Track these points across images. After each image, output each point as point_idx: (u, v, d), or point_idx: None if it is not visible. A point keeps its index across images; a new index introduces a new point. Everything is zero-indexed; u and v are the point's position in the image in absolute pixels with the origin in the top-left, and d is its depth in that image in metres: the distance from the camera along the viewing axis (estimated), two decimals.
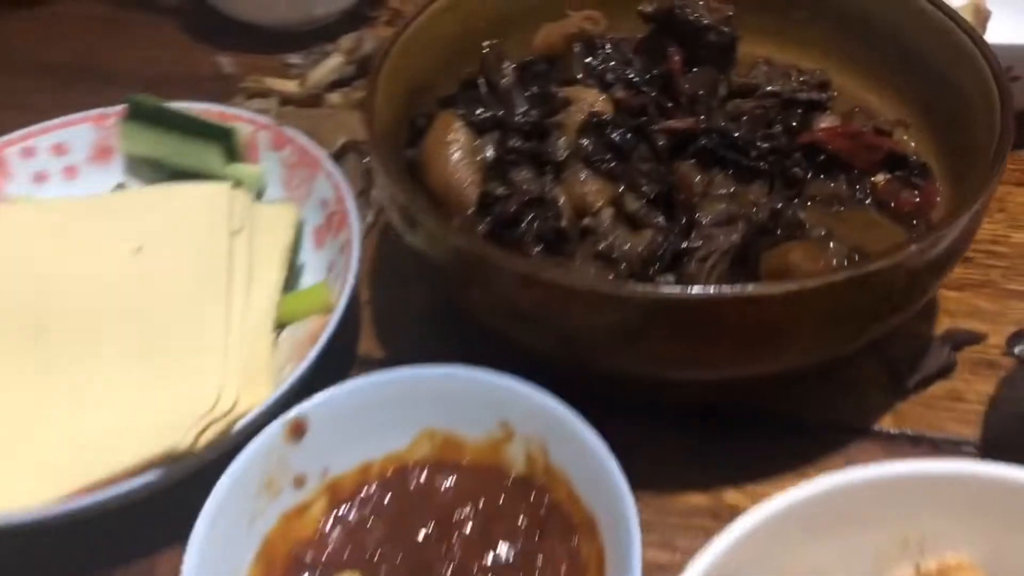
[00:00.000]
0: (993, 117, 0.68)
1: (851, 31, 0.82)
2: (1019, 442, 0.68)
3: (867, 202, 0.73)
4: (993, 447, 0.69)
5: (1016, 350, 0.72)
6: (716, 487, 0.67)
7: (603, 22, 0.76)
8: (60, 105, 0.87)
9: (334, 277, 0.75)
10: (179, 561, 0.54)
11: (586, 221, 0.69)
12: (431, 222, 0.61)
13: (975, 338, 0.75)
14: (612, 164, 0.70)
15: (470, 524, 0.58)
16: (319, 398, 0.60)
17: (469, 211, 0.69)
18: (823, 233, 0.65)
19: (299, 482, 0.60)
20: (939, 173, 0.75)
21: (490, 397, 0.60)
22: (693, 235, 0.66)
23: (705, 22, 0.78)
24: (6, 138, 0.84)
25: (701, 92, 0.77)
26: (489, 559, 0.57)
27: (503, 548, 0.57)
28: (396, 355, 0.77)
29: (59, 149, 0.85)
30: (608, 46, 0.77)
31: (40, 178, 0.84)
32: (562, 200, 0.69)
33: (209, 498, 0.56)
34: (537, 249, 0.68)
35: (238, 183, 0.82)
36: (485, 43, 0.78)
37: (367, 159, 0.87)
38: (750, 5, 0.83)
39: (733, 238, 0.64)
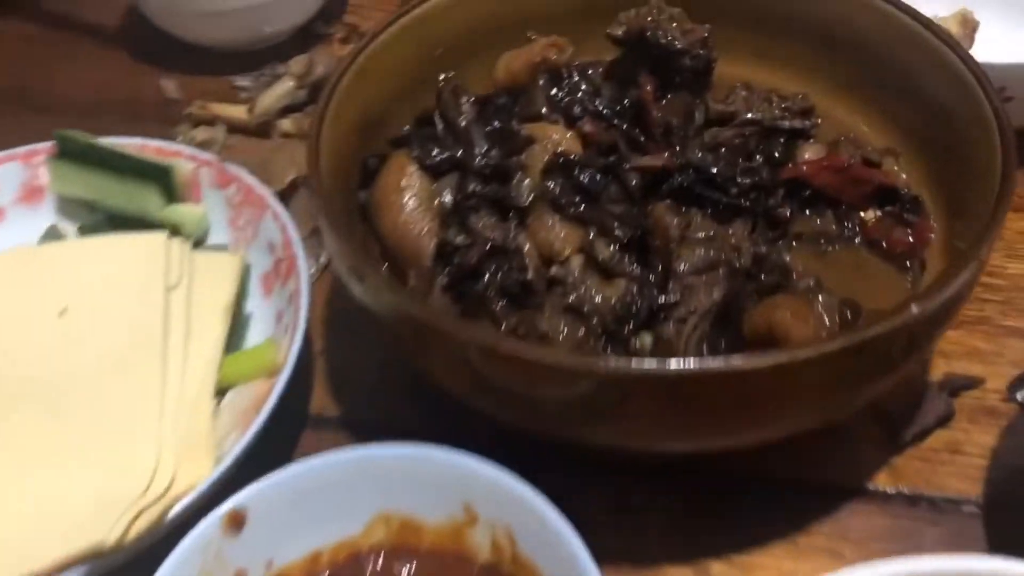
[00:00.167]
0: (990, 146, 0.63)
1: (834, 52, 0.77)
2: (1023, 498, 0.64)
3: (856, 240, 0.68)
4: (996, 505, 0.64)
5: (1018, 396, 0.68)
6: (701, 559, 0.62)
7: (568, 49, 0.71)
8: None
9: (282, 330, 0.69)
10: None
11: (554, 270, 0.64)
12: (380, 286, 0.55)
13: (973, 383, 0.70)
14: (581, 207, 0.64)
15: None
16: (258, 486, 0.54)
17: (425, 263, 0.63)
18: (811, 283, 0.59)
19: None
20: (933, 206, 0.69)
21: (451, 477, 0.55)
22: (671, 286, 0.61)
23: (679, 46, 0.72)
24: None
25: (675, 122, 0.72)
26: None
27: None
28: (352, 413, 0.71)
29: None
30: (575, 74, 0.71)
31: None
32: (527, 248, 0.63)
33: None
34: (501, 303, 0.62)
35: (178, 227, 0.76)
36: (441, 76, 0.72)
37: None
38: (726, 23, 0.77)
39: (714, 295, 0.59)
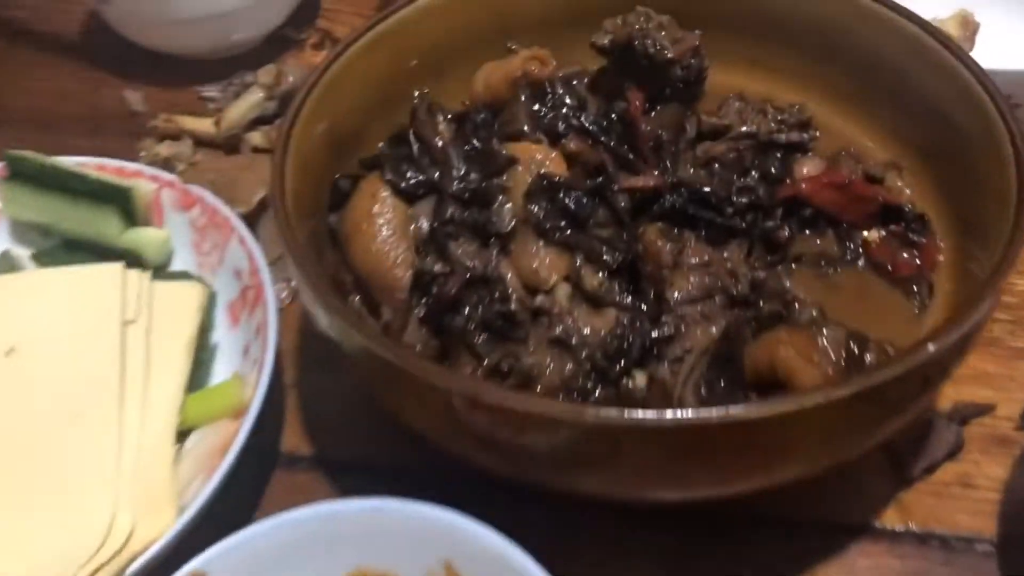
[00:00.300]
0: (1001, 159, 0.60)
1: (832, 59, 0.73)
2: None
3: (859, 262, 0.64)
4: (1010, 544, 0.60)
5: None
6: None
7: (551, 62, 0.66)
8: None
9: (250, 364, 0.65)
10: None
11: (538, 300, 0.59)
12: (347, 325, 0.51)
13: (983, 410, 0.66)
14: (567, 232, 0.60)
15: None
16: (222, 547, 0.50)
17: (400, 295, 0.59)
18: (814, 314, 0.55)
19: None
20: (939, 222, 0.66)
21: (430, 532, 0.51)
22: (664, 318, 0.57)
23: (669, 55, 0.67)
24: None
25: (665, 136, 0.68)
26: None
27: None
28: (326, 451, 0.67)
29: None
30: (558, 87, 0.66)
31: None
32: (509, 277, 0.59)
33: None
34: (482, 337, 0.58)
35: (138, 252, 0.71)
36: (416, 92, 0.68)
37: None
38: (717, 29, 0.73)
39: (712, 330, 0.54)
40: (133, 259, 0.71)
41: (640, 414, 0.45)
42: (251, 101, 0.87)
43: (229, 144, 0.87)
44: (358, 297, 0.60)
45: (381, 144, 0.68)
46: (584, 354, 0.57)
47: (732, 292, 0.59)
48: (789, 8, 0.74)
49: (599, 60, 0.71)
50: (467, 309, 0.58)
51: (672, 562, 0.59)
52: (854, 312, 0.61)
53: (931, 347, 0.47)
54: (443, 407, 0.49)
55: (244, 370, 0.65)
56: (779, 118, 0.69)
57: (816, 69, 0.74)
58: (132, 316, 0.63)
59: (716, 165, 0.68)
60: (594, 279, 0.59)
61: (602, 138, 0.65)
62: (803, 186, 0.64)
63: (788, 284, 0.61)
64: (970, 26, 0.86)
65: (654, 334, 0.55)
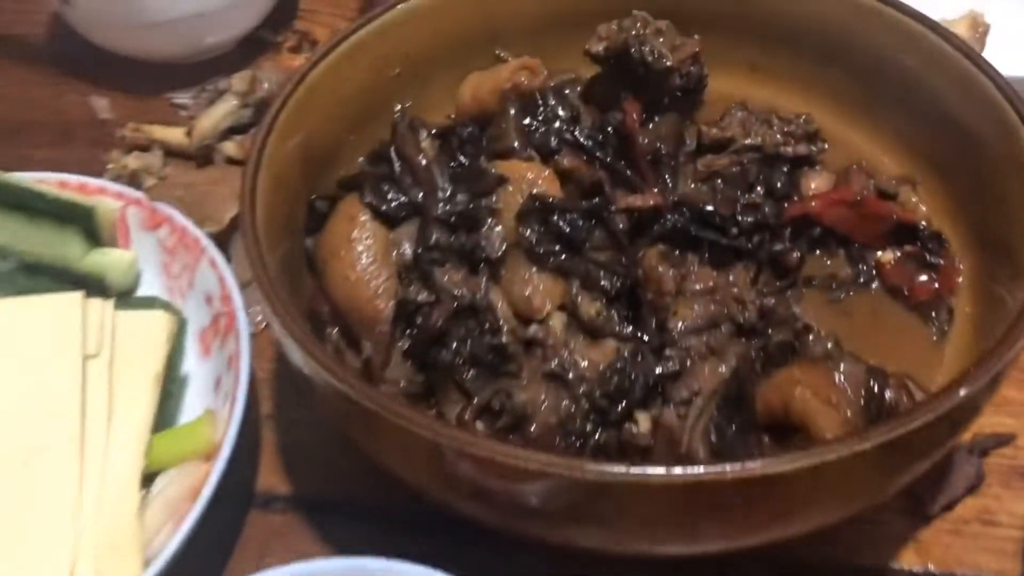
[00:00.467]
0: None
1: (835, 63, 0.69)
2: None
3: (873, 285, 0.60)
4: None
5: None
6: None
7: (542, 72, 0.62)
8: None
9: (221, 398, 0.60)
10: None
11: (532, 331, 0.55)
12: (320, 367, 0.46)
13: (1004, 440, 0.62)
14: (561, 257, 0.56)
15: None
16: None
17: (382, 328, 0.54)
18: (829, 346, 0.51)
19: None
20: (957, 241, 0.62)
21: None
22: (668, 351, 0.53)
23: (667, 63, 0.63)
24: None
25: (664, 149, 0.64)
26: None
27: None
28: (305, 489, 0.63)
29: None
30: (550, 98, 0.62)
31: None
32: (500, 306, 0.55)
33: None
34: (471, 372, 0.54)
35: (102, 276, 0.67)
36: (397, 106, 0.64)
37: None
38: (718, 34, 0.69)
39: (721, 369, 0.50)
40: (97, 283, 0.67)
41: (647, 470, 0.40)
42: (224, 109, 0.82)
43: (201, 155, 0.82)
44: (336, 329, 0.56)
45: (361, 159, 0.64)
46: (581, 390, 0.53)
47: (739, 320, 0.55)
48: (790, 10, 0.70)
49: (592, 66, 0.67)
50: (454, 342, 0.54)
51: None
52: (869, 340, 0.57)
53: (963, 391, 0.43)
54: (428, 458, 0.45)
55: (216, 404, 0.60)
56: (785, 129, 0.65)
57: (820, 74, 0.70)
58: (93, 349, 0.59)
59: (718, 180, 0.64)
60: (591, 307, 0.55)
61: (597, 153, 0.61)
62: (812, 204, 0.60)
63: (798, 311, 0.57)
64: (980, 27, 0.82)
65: (658, 370, 0.51)
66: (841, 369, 0.49)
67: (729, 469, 0.40)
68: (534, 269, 0.56)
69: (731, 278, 0.58)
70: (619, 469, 0.41)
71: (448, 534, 0.58)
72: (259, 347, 0.68)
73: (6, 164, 0.71)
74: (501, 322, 0.54)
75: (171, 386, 0.63)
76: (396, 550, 0.59)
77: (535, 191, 0.56)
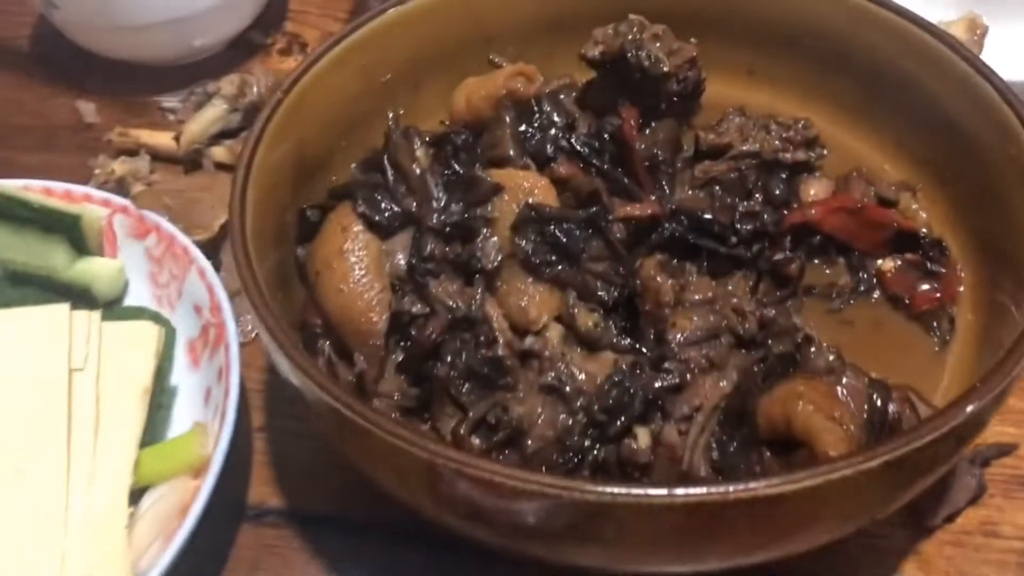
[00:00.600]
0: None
1: (833, 66, 0.68)
2: None
3: (874, 294, 0.60)
4: None
5: None
6: None
7: (538, 78, 0.61)
8: None
9: (211, 411, 0.59)
10: None
11: (528, 342, 0.54)
12: (311, 383, 0.45)
13: (1006, 450, 0.61)
14: (558, 268, 0.55)
15: None
16: None
17: (375, 342, 0.53)
18: (831, 359, 0.51)
19: None
20: (958, 248, 0.61)
21: None
22: (668, 364, 0.52)
23: (664, 69, 0.62)
24: None
25: (661, 155, 0.63)
26: None
27: None
28: (298, 503, 0.62)
29: None
30: (545, 105, 0.61)
31: None
32: (496, 318, 0.54)
33: None
34: (466, 386, 0.53)
35: (89, 285, 0.65)
36: (390, 112, 0.62)
37: None
38: (715, 38, 0.68)
39: (722, 384, 0.49)
40: (84, 293, 0.66)
41: (649, 491, 0.39)
42: (213, 114, 0.81)
43: (190, 160, 0.81)
44: (328, 342, 0.55)
45: (353, 165, 0.63)
46: (579, 403, 0.52)
47: (739, 331, 0.54)
48: (787, 13, 0.69)
49: (587, 70, 0.66)
50: (449, 355, 0.53)
51: None
52: (870, 350, 0.56)
53: (970, 408, 0.42)
54: (422, 477, 0.44)
55: (205, 417, 0.59)
56: (784, 135, 0.64)
57: (819, 79, 0.69)
58: (79, 363, 0.58)
59: (716, 187, 0.63)
60: (588, 319, 0.54)
61: (594, 160, 0.60)
62: (812, 212, 0.59)
63: (798, 321, 0.56)
64: (978, 29, 0.81)
65: (657, 384, 0.50)
66: (843, 383, 0.48)
67: (732, 489, 0.39)
68: (530, 280, 0.55)
69: (730, 288, 0.57)
70: (620, 490, 0.40)
71: (442, 547, 0.57)
72: (250, 356, 0.67)
73: None
74: (496, 334, 0.53)
75: (160, 398, 0.62)
76: (390, 563, 0.59)
77: (531, 200, 0.55)
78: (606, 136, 0.61)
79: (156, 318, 0.64)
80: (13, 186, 0.68)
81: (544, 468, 0.49)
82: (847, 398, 0.48)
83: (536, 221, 0.55)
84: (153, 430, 0.59)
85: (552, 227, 0.54)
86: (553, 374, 0.53)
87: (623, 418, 0.49)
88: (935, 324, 0.58)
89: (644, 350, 0.53)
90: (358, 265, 0.54)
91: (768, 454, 0.48)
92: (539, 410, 0.52)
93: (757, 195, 0.63)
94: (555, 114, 0.61)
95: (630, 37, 0.63)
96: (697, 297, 0.55)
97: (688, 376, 0.51)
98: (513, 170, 0.56)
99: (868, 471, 0.40)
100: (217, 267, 0.69)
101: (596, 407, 0.50)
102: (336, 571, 0.58)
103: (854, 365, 0.51)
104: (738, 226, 0.58)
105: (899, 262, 0.59)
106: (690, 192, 0.64)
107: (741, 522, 0.41)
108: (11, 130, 0.87)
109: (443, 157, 0.57)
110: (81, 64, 0.90)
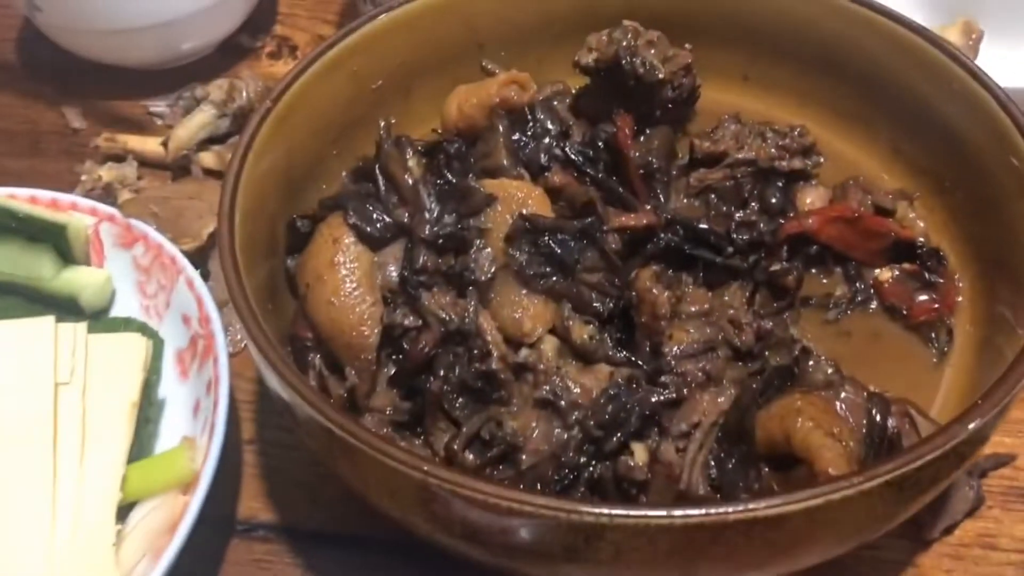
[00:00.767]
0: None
1: (829, 73, 0.67)
2: None
3: (872, 304, 0.59)
4: None
5: None
6: None
7: (531, 86, 0.60)
8: None
9: (200, 425, 0.58)
10: None
11: (522, 355, 0.53)
12: (300, 399, 0.45)
13: (1003, 461, 0.61)
14: (552, 280, 0.54)
15: None
16: None
17: (367, 356, 0.52)
18: (829, 372, 0.50)
19: None
20: (956, 257, 0.61)
21: None
22: (664, 378, 0.51)
23: (659, 76, 0.62)
24: None
25: (656, 163, 0.62)
26: None
27: None
28: (288, 517, 0.61)
29: None
30: (539, 112, 0.60)
31: None
32: (490, 330, 0.53)
33: None
34: (459, 401, 0.52)
35: (75, 296, 0.64)
36: (382, 121, 0.62)
37: None
38: (708, 42, 0.67)
39: (720, 400, 0.49)
40: (70, 303, 0.65)
41: (647, 512, 0.39)
42: (202, 119, 0.80)
43: (178, 166, 0.80)
44: (319, 356, 0.54)
45: (344, 174, 0.62)
46: (574, 417, 0.51)
47: (735, 344, 0.54)
48: (783, 18, 0.68)
49: (581, 76, 0.65)
50: (442, 369, 0.52)
51: None
52: (868, 362, 0.56)
53: (972, 426, 0.42)
54: (415, 496, 0.43)
55: (194, 431, 0.58)
56: (780, 143, 0.63)
57: (815, 85, 0.68)
58: (65, 377, 0.57)
59: (712, 195, 0.63)
60: (583, 331, 0.54)
61: (588, 169, 0.59)
62: (809, 221, 0.58)
63: (795, 332, 0.55)
64: (974, 34, 0.81)
65: (654, 399, 0.49)
66: (842, 397, 0.48)
67: (732, 511, 0.39)
68: (524, 291, 0.54)
69: (726, 299, 0.57)
70: (617, 511, 0.39)
71: (435, 562, 0.56)
72: (240, 366, 0.66)
73: None
74: (490, 347, 0.52)
75: (148, 411, 0.61)
76: None
77: (525, 211, 0.54)
78: (600, 144, 0.60)
79: (144, 329, 0.64)
80: None
81: (539, 485, 0.48)
82: (846, 413, 0.47)
83: (530, 232, 0.54)
84: (141, 445, 0.59)
85: (546, 238, 0.54)
86: (548, 388, 0.52)
87: (619, 434, 0.48)
88: (933, 335, 0.57)
89: (640, 363, 0.53)
90: (349, 278, 0.53)
91: (767, 470, 0.47)
92: (533, 424, 0.52)
93: (753, 204, 0.62)
94: (549, 122, 0.61)
95: (624, 44, 0.62)
96: (693, 309, 0.54)
97: (685, 391, 0.50)
98: (507, 180, 0.56)
99: (869, 491, 0.40)
100: (206, 276, 0.68)
101: (592, 422, 0.49)
102: None
103: (853, 379, 0.50)
104: (734, 236, 0.58)
105: (897, 272, 0.59)
106: (685, 201, 0.63)
107: (740, 542, 0.40)
108: None
109: (435, 166, 0.56)
110: (67, 68, 0.88)
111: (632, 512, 0.39)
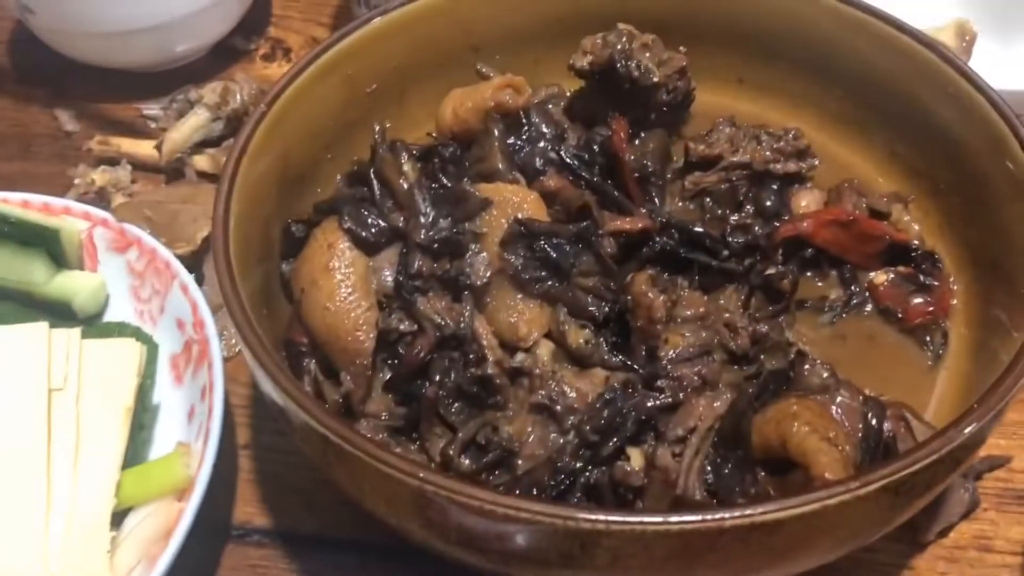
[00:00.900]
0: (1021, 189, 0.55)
1: (823, 75, 0.67)
2: None
3: (867, 307, 0.59)
4: None
5: None
6: None
7: (526, 89, 0.60)
8: None
9: (195, 430, 0.58)
10: None
11: (518, 359, 0.53)
12: (294, 405, 0.44)
13: (999, 463, 0.61)
14: (548, 283, 0.54)
15: None
16: None
17: (362, 361, 0.52)
18: (825, 376, 0.50)
19: None
20: (951, 260, 0.61)
21: None
22: (660, 383, 0.51)
23: (654, 79, 0.62)
24: None
25: (651, 166, 0.62)
26: None
27: None
28: (284, 522, 0.61)
29: None
30: (534, 116, 0.60)
31: None
32: (485, 335, 0.53)
33: None
34: (455, 406, 0.52)
35: (68, 300, 0.64)
36: (376, 125, 0.61)
37: None
38: (702, 45, 0.67)
39: (716, 405, 0.49)
40: (64, 308, 0.64)
41: (643, 518, 0.39)
42: (196, 122, 0.79)
43: (172, 169, 0.79)
44: (314, 361, 0.54)
45: (339, 177, 0.62)
46: (570, 422, 0.51)
47: (731, 347, 0.54)
48: (778, 21, 0.68)
49: (576, 78, 0.65)
50: (438, 374, 0.52)
51: None
52: (863, 365, 0.56)
53: (968, 430, 0.42)
54: (411, 503, 0.43)
55: (189, 437, 0.58)
56: (774, 145, 0.63)
57: (809, 87, 0.68)
58: (59, 383, 0.56)
59: (707, 199, 0.63)
60: (579, 335, 0.54)
61: (583, 173, 0.59)
62: (804, 224, 0.58)
63: (791, 336, 0.55)
64: (967, 35, 0.81)
65: (650, 403, 0.49)
66: (838, 401, 0.48)
67: (728, 516, 0.39)
68: (520, 296, 0.54)
69: (722, 302, 0.56)
70: (614, 518, 0.39)
71: (430, 567, 0.56)
72: (235, 370, 0.65)
73: None
74: (486, 352, 0.52)
75: (142, 417, 0.60)
76: None
77: (520, 215, 0.54)
78: (596, 148, 0.60)
79: (138, 334, 0.63)
80: None
81: (535, 490, 0.48)
82: (842, 417, 0.47)
83: (525, 236, 0.54)
84: (135, 450, 0.58)
85: (542, 242, 0.54)
86: (544, 392, 0.52)
87: (615, 439, 0.48)
88: (928, 338, 0.57)
89: (636, 367, 0.53)
90: (344, 283, 0.52)
91: (763, 474, 0.47)
92: (529, 429, 0.52)
93: (748, 207, 0.62)
94: (544, 126, 0.60)
95: (619, 47, 0.62)
96: (689, 313, 0.54)
97: (681, 395, 0.50)
98: (502, 184, 0.56)
99: (865, 496, 0.40)
100: (200, 280, 0.68)
101: (588, 427, 0.49)
102: None
103: (848, 382, 0.50)
104: (729, 239, 0.58)
105: (892, 275, 0.59)
106: (680, 204, 0.64)
107: (737, 548, 0.40)
108: None
109: (430, 171, 0.56)
110: (60, 70, 0.88)
111: (628, 518, 0.39)
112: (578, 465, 0.48)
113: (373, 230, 0.54)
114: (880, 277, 0.59)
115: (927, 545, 0.58)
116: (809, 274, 0.60)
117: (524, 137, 0.59)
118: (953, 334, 0.58)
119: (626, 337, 0.54)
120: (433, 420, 0.52)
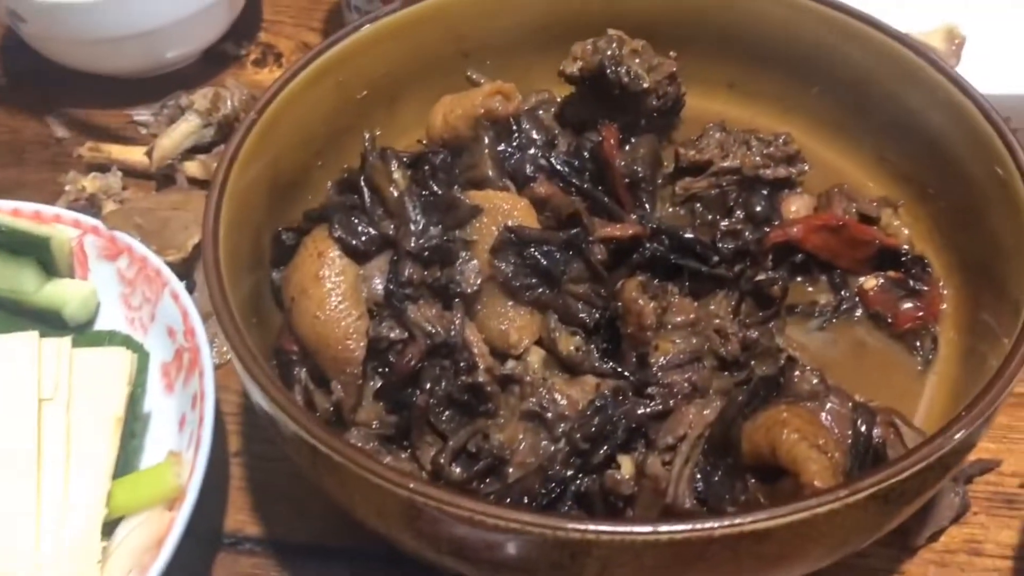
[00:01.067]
0: (1009, 193, 0.55)
1: (813, 80, 0.67)
2: None
3: (857, 312, 0.59)
4: None
5: None
6: None
7: (516, 96, 0.60)
8: None
9: (186, 439, 0.58)
10: None
11: (509, 366, 0.53)
12: (283, 416, 0.44)
13: (989, 466, 0.61)
14: (538, 291, 0.54)
15: None
16: None
17: (352, 370, 0.52)
18: (815, 382, 0.50)
19: None
20: (940, 265, 0.61)
21: None
22: (651, 390, 0.51)
23: (644, 85, 0.62)
24: None
25: (641, 172, 0.62)
26: None
27: None
28: (275, 531, 0.61)
29: None
30: (524, 122, 0.60)
31: None
32: (476, 343, 0.53)
33: None
34: (446, 414, 0.52)
35: (59, 308, 0.64)
36: (367, 133, 0.61)
37: None
38: (692, 51, 0.67)
39: (706, 413, 0.49)
40: (54, 316, 0.64)
41: (633, 528, 0.39)
42: (186, 129, 0.79)
43: (163, 175, 0.79)
44: (304, 370, 0.54)
45: (329, 185, 0.62)
46: (561, 429, 0.51)
47: (721, 353, 0.54)
48: (768, 27, 0.68)
49: (566, 84, 0.65)
50: (428, 382, 0.52)
51: None
52: (852, 369, 0.56)
53: (958, 436, 0.42)
54: (401, 513, 0.43)
55: (180, 445, 0.58)
56: (764, 151, 0.63)
57: (799, 92, 0.68)
58: (50, 392, 0.56)
59: (697, 204, 0.63)
60: (570, 342, 0.54)
61: (574, 179, 0.59)
62: (794, 229, 0.58)
63: (781, 341, 0.55)
64: (956, 39, 0.81)
65: (640, 411, 0.49)
66: (827, 408, 0.48)
67: (718, 526, 0.39)
68: (510, 303, 0.54)
69: (712, 308, 0.57)
70: (603, 528, 0.39)
71: (421, 574, 0.56)
72: (225, 378, 0.65)
73: None
74: (477, 359, 0.52)
75: (133, 425, 0.60)
76: None
77: (511, 222, 0.54)
78: (586, 154, 0.60)
79: (128, 342, 0.63)
80: None
81: (526, 498, 0.48)
82: (831, 423, 0.47)
83: (516, 243, 0.54)
84: (126, 459, 0.58)
85: (532, 249, 0.54)
86: (534, 400, 0.52)
87: (606, 446, 0.48)
88: (918, 343, 0.57)
89: (626, 374, 0.53)
90: (334, 292, 0.52)
91: (753, 481, 0.47)
92: (520, 437, 0.52)
93: (738, 212, 0.62)
94: (534, 132, 0.60)
95: (609, 53, 0.62)
96: (679, 319, 0.54)
97: (671, 402, 0.50)
98: (492, 191, 0.56)
99: (855, 503, 0.40)
100: (191, 288, 0.68)
101: (578, 435, 0.49)
102: None
103: (838, 388, 0.50)
104: (720, 245, 0.58)
105: (881, 280, 0.59)
106: (671, 210, 0.64)
107: (726, 556, 0.40)
108: None
109: (421, 178, 0.56)
110: (50, 77, 0.88)
111: (618, 528, 0.39)
112: (569, 473, 0.48)
113: (363, 238, 0.54)
114: (870, 282, 0.59)
115: (918, 549, 0.58)
116: (799, 279, 0.60)
117: (514, 144, 0.59)
118: (942, 339, 0.58)
119: (617, 344, 0.54)
120: (424, 428, 0.52)
